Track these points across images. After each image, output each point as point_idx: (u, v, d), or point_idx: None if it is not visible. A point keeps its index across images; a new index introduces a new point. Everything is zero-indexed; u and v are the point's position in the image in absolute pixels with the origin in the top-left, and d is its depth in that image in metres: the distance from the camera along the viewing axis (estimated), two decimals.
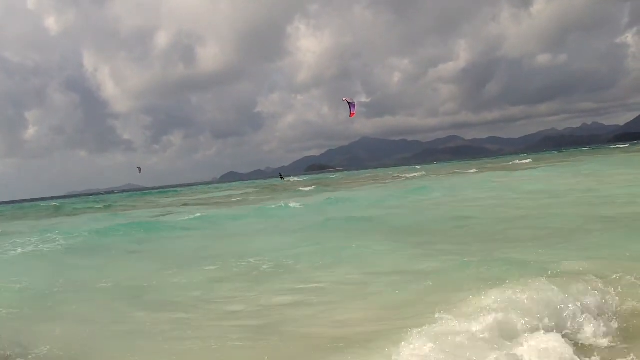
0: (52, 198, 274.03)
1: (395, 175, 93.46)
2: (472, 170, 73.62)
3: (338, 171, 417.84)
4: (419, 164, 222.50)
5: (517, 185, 34.82)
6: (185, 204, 56.26)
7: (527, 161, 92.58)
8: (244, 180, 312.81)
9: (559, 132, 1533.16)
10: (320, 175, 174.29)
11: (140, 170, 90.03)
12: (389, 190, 45.82)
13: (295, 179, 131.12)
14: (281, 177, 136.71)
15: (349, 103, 34.07)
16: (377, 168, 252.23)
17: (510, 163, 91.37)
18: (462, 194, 32.19)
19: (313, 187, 70.53)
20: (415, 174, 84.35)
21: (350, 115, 34.32)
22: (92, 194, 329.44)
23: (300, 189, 69.37)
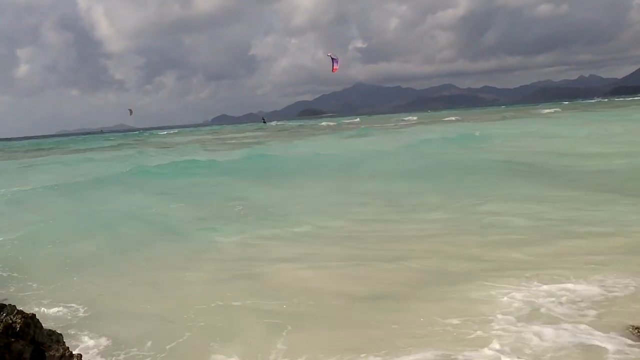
0: (44, 137, 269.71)
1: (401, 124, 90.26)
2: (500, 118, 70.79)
3: (330, 117, 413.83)
4: (413, 112, 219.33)
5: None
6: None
7: (552, 110, 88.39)
8: (237, 124, 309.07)
9: (555, 83, 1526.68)
10: (311, 121, 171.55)
11: (131, 112, 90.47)
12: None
13: (276, 123, 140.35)
14: (263, 122, 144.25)
15: (332, 58, 35.62)
16: (370, 115, 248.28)
17: (545, 111, 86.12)
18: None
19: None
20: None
21: (333, 70, 35.91)
22: (85, 133, 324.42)
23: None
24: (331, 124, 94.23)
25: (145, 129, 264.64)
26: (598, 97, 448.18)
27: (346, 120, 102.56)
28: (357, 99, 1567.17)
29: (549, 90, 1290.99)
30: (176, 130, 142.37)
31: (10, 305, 5.43)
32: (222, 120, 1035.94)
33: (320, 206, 14.00)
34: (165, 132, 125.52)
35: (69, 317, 6.99)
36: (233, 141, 56.72)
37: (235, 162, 24.98)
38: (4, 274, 8.99)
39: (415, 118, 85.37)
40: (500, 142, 29.71)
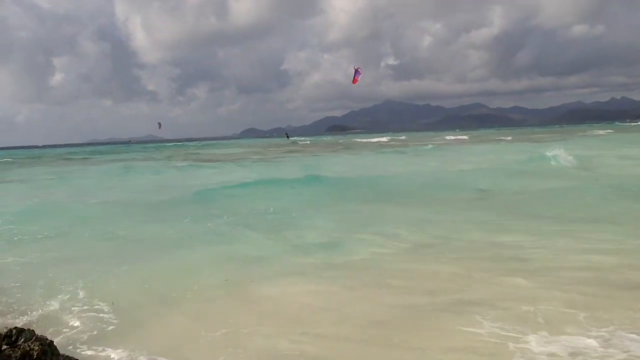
0: (76, 145, 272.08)
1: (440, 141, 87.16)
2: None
3: (358, 133, 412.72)
4: (441, 131, 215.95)
5: None
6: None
7: (604, 132, 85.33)
8: (263, 137, 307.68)
9: (586, 105, 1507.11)
10: (340, 137, 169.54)
11: (160, 125, 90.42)
12: None
13: (297, 138, 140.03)
14: (287, 137, 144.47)
15: (355, 69, 33.83)
16: (399, 132, 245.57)
17: (599, 132, 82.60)
18: None
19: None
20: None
21: (354, 81, 34.09)
22: (115, 143, 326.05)
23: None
24: (383, 140, 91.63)
25: (175, 140, 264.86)
26: (629, 119, 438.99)
27: (384, 138, 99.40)
28: (386, 116, 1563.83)
29: (579, 111, 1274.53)
30: (210, 143, 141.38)
31: (29, 330, 5.71)
32: (250, 133, 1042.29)
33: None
34: (202, 144, 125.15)
35: None
36: (287, 156, 54.41)
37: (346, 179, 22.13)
38: None
39: (466, 137, 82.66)
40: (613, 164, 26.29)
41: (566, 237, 10.49)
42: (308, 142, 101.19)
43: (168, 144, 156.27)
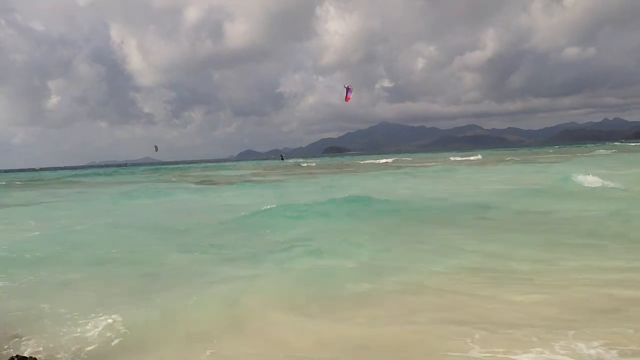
0: (73, 168, 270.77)
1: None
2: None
3: (355, 154, 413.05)
4: (436, 152, 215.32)
5: None
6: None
7: (608, 151, 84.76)
8: (261, 160, 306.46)
9: (579, 126, 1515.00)
10: (337, 158, 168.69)
11: (157, 149, 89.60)
12: None
13: (299, 160, 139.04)
14: (281, 158, 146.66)
15: (347, 88, 36.19)
16: (395, 153, 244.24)
17: (600, 152, 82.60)
18: None
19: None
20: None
21: (346, 99, 36.71)
22: (111, 166, 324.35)
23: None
24: (389, 161, 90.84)
25: (172, 163, 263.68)
26: (623, 139, 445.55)
27: (389, 159, 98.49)
28: (382, 138, 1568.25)
29: (574, 132, 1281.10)
30: (211, 165, 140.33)
31: (31, 358, 5.87)
32: (247, 155, 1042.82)
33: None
34: (203, 166, 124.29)
35: None
36: (305, 178, 53.39)
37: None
38: None
39: (479, 157, 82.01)
40: None
41: None
42: (314, 164, 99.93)
43: (169, 166, 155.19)
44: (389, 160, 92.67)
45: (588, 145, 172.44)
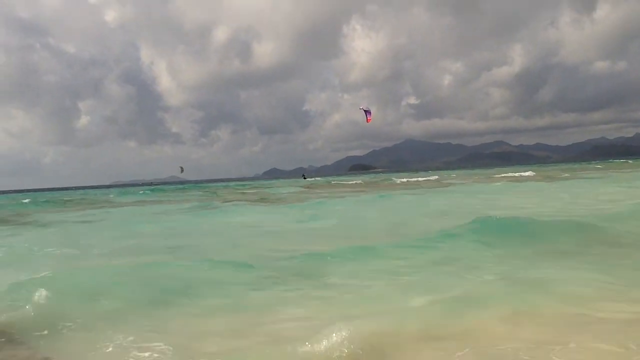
0: (100, 187, 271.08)
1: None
2: None
3: (381, 172, 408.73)
4: (462, 168, 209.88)
5: None
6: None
7: None
8: (286, 178, 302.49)
9: (609, 141, 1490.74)
10: (365, 176, 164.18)
11: (182, 169, 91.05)
12: None
13: (315, 179, 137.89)
14: (304, 177, 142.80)
15: (365, 111, 38.30)
16: (422, 170, 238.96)
17: None
18: None
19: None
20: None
21: (367, 120, 38.64)
22: (138, 184, 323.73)
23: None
24: (433, 178, 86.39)
25: (201, 182, 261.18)
26: None
27: (433, 177, 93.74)
28: (408, 155, 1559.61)
29: (603, 147, 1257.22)
30: (246, 183, 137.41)
31: None
32: (273, 174, 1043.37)
33: None
34: (237, 184, 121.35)
35: None
36: (354, 194, 49.51)
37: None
38: None
39: (532, 173, 77.32)
40: None
41: None
42: (360, 181, 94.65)
43: (203, 185, 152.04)
44: (433, 177, 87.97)
45: (629, 160, 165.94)
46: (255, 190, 76.20)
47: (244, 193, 68.87)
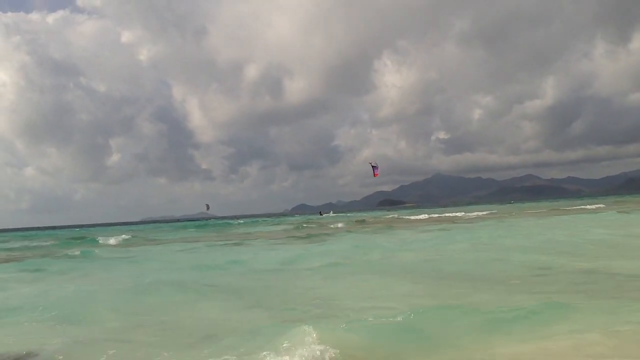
0: (129, 223, 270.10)
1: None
2: None
3: (411, 207, 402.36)
4: (495, 203, 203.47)
5: None
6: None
7: None
8: (316, 214, 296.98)
9: None
10: (393, 212, 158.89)
11: (208, 207, 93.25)
12: None
13: (331, 214, 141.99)
14: (320, 214, 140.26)
15: (372, 166, 38.96)
16: (452, 206, 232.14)
17: None
18: None
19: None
20: None
21: (375, 175, 39.47)
22: (168, 221, 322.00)
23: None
24: (482, 213, 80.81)
25: (227, 218, 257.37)
26: None
27: (482, 212, 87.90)
28: (437, 190, 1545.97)
29: (638, 180, 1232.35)
30: (283, 219, 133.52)
31: None
32: (302, 209, 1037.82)
33: None
34: (274, 220, 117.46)
35: None
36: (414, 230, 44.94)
37: None
38: None
39: (602, 205, 72.57)
40: None
41: None
42: (414, 219, 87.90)
43: (260, 219, 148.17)
44: (482, 212, 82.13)
45: None
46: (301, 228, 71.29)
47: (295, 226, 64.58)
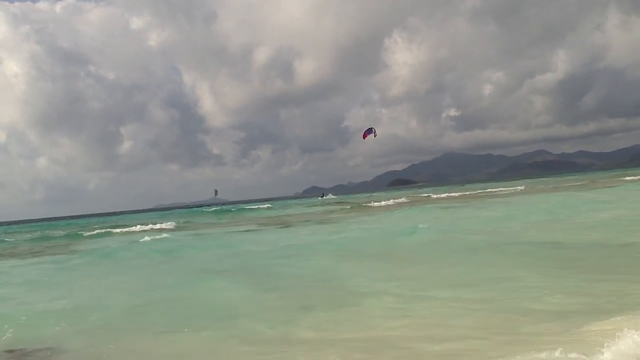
0: (143, 211, 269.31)
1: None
2: None
3: (423, 186, 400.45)
4: (506, 180, 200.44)
5: None
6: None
7: None
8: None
9: None
10: (404, 190, 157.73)
11: (216, 192, 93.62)
12: None
13: (330, 195, 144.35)
14: (323, 196, 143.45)
15: (369, 129, 39.03)
16: (464, 183, 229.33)
17: None
18: None
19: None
20: None
21: (363, 137, 39.17)
22: (180, 207, 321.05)
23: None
24: (519, 188, 78.64)
25: (240, 202, 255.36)
26: None
27: (519, 187, 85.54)
28: (447, 168, 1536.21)
29: None
30: (300, 202, 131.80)
31: None
32: (312, 191, 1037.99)
33: None
34: (293, 202, 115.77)
35: None
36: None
37: None
38: None
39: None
40: None
41: None
42: (445, 195, 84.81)
43: (256, 205, 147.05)
44: (519, 187, 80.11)
45: None
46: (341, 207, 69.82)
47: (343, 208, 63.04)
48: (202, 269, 19.31)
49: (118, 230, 53.98)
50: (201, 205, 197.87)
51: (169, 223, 56.19)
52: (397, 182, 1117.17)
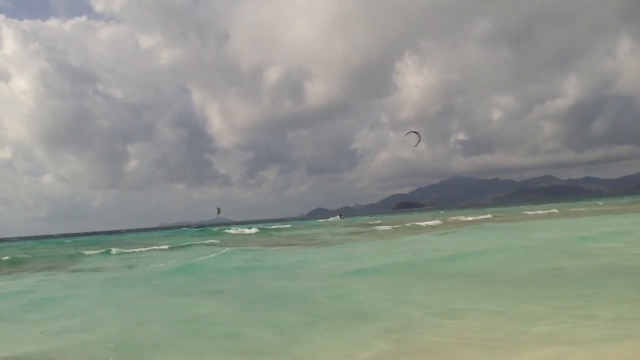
0: (147, 229, 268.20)
1: None
2: None
3: (429, 209, 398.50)
4: (517, 205, 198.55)
5: None
6: None
7: None
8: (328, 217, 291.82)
9: None
10: (412, 214, 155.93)
11: (219, 211, 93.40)
12: None
13: (340, 217, 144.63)
14: (340, 217, 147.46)
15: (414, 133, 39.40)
16: (469, 208, 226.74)
17: None
18: None
19: None
20: None
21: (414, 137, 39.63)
22: (185, 226, 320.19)
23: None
24: (543, 212, 77.03)
25: (244, 222, 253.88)
26: None
27: (547, 211, 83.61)
28: (454, 191, 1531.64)
29: None
30: (308, 223, 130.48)
31: None
32: (318, 213, 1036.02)
33: None
34: (289, 226, 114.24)
35: None
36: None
37: None
38: None
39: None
40: None
41: None
42: (472, 219, 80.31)
43: (289, 223, 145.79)
44: (546, 211, 78.92)
45: None
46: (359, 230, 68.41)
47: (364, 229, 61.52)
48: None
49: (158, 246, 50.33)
50: (203, 225, 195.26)
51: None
52: (403, 204, 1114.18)
